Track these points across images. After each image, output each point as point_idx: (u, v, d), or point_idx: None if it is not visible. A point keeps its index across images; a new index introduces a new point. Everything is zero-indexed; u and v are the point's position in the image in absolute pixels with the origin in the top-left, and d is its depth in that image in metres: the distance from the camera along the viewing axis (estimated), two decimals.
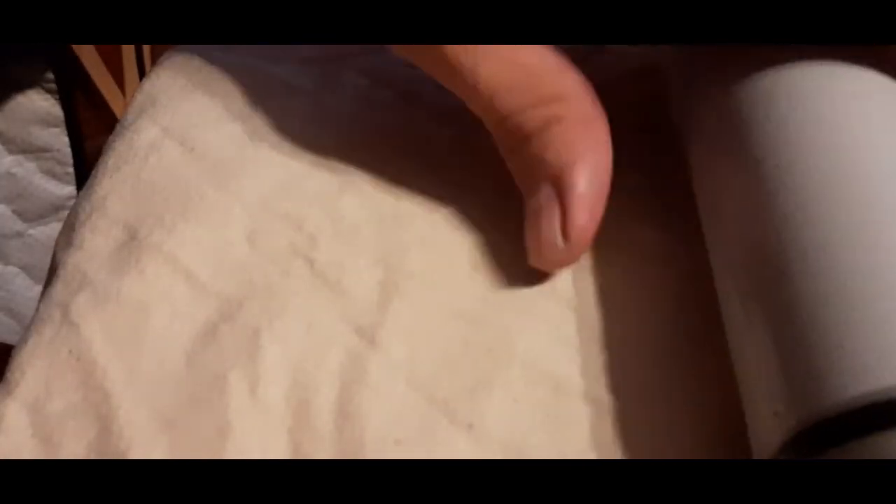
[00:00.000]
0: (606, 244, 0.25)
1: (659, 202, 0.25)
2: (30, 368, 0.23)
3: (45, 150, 0.67)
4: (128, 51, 0.73)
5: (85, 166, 0.68)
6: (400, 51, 0.25)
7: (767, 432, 0.19)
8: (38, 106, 0.65)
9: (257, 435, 0.22)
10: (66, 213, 0.38)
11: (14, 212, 0.68)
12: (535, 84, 0.24)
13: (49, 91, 0.65)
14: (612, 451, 0.21)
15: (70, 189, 0.69)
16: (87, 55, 0.67)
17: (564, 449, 0.22)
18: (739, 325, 0.21)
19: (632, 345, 0.23)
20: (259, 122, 0.29)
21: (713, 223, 0.23)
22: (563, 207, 0.23)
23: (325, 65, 0.31)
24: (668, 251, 0.25)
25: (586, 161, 0.23)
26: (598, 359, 0.23)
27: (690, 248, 0.25)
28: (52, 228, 0.69)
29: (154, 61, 0.32)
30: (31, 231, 0.69)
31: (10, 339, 0.68)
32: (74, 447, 0.22)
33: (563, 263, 0.24)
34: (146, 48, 0.76)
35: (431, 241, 0.26)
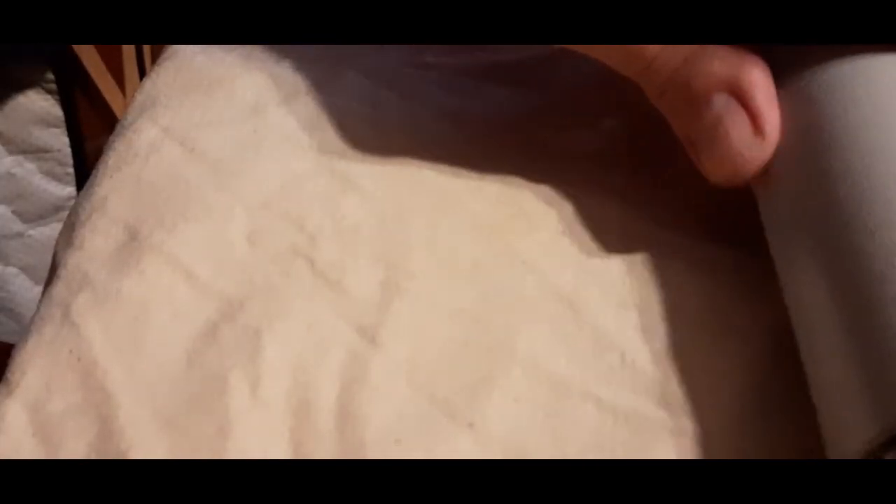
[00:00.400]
0: (609, 240, 0.25)
1: (668, 200, 0.25)
2: (30, 368, 0.23)
3: (45, 150, 0.67)
4: (128, 51, 0.73)
5: (85, 166, 0.68)
6: None
7: (861, 423, 0.18)
8: (38, 106, 0.65)
9: (258, 435, 0.22)
10: (66, 213, 0.38)
11: (14, 212, 0.68)
12: None
13: (49, 91, 0.65)
14: (613, 450, 0.21)
15: (70, 189, 0.69)
16: (87, 55, 0.67)
17: (565, 449, 0.22)
18: (830, 310, 0.20)
19: (634, 344, 0.23)
20: (260, 121, 0.29)
21: (783, 227, 0.22)
22: (750, 108, 0.22)
23: (326, 64, 0.31)
24: (673, 248, 0.25)
25: (758, 60, 0.23)
26: (599, 358, 0.23)
27: (698, 243, 0.25)
28: (52, 229, 0.69)
29: (154, 61, 0.32)
30: (31, 231, 0.69)
31: (10, 339, 0.68)
32: (75, 447, 0.22)
33: (757, 166, 0.23)
34: (146, 48, 0.76)
35: (432, 240, 0.26)
